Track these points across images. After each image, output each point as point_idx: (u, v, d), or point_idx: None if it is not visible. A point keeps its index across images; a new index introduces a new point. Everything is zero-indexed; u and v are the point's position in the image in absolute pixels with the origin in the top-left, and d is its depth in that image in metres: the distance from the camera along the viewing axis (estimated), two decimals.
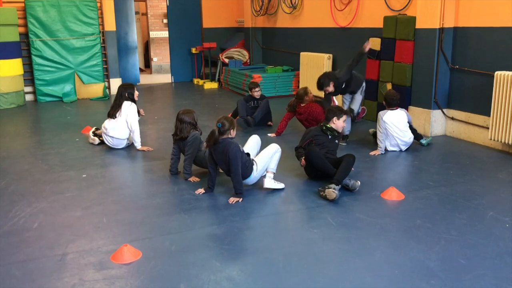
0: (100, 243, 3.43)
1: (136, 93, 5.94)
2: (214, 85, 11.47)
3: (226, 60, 11.52)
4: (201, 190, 4.42)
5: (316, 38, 9.26)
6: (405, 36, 6.53)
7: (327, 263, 3.13)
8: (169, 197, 4.35)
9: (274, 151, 4.51)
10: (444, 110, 6.36)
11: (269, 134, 6.54)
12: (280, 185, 4.48)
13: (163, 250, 3.33)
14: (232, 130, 4.29)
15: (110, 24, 10.33)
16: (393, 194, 4.24)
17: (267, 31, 11.47)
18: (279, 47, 10.90)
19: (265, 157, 4.50)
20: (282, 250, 3.30)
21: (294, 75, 9.89)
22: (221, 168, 4.42)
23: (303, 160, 4.67)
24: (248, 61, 11.84)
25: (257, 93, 7.14)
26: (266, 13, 11.02)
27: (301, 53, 9.41)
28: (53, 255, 3.27)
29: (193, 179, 4.77)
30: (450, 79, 6.30)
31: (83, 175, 4.98)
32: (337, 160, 4.59)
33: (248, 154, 4.47)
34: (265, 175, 4.51)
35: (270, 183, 4.43)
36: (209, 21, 12.48)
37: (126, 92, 5.83)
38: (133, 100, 5.86)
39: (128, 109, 5.78)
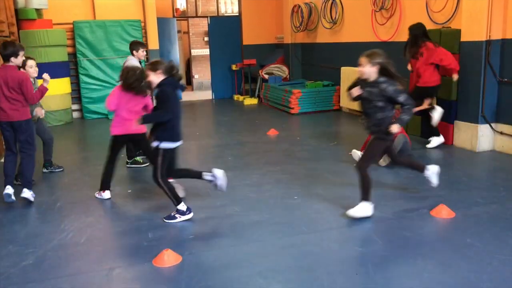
0: (146, 258, 3.48)
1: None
2: (254, 101, 11.55)
3: (266, 76, 11.59)
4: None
5: (357, 53, 9.09)
6: (450, 49, 6.37)
7: (372, 283, 3.05)
8: (211, 213, 4.38)
9: None
10: (492, 124, 6.14)
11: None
12: None
13: (207, 266, 3.34)
14: None
15: (153, 43, 10.62)
16: (443, 212, 4.10)
17: (306, 46, 11.47)
18: (319, 62, 10.87)
19: None
20: (326, 269, 3.25)
21: (334, 90, 9.82)
22: None
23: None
24: (288, 76, 11.87)
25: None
26: (306, 29, 11.05)
27: (342, 68, 9.36)
28: (101, 269, 3.34)
29: None
30: (498, 92, 6.10)
31: (129, 190, 5.09)
32: None
33: None
34: None
35: None
36: (249, 38, 12.63)
37: None
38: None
39: None
